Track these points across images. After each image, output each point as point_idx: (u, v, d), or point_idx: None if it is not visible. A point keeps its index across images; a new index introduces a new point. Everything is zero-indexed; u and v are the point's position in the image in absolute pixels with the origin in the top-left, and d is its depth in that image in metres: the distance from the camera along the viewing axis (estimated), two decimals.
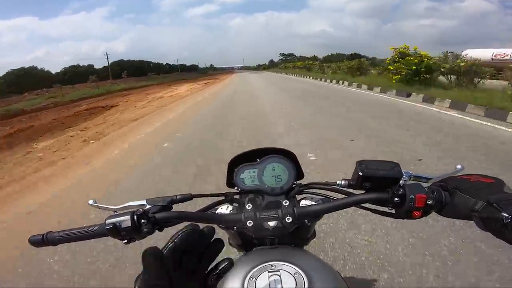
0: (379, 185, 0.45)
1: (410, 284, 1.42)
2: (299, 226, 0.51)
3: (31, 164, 4.42)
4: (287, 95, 10.60)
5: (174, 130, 5.86)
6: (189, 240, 0.29)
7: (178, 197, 0.51)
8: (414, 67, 8.99)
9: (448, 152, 3.39)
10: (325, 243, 1.77)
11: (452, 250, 1.63)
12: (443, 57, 9.80)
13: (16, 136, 7.93)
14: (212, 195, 0.59)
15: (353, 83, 12.17)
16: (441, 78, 9.14)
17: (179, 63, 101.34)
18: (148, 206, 0.48)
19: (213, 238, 0.33)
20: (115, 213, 0.45)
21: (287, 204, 0.49)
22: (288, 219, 0.46)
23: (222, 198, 0.59)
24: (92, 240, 0.46)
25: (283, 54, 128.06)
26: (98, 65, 68.68)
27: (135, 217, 0.43)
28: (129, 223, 0.42)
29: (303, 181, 0.59)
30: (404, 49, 9.91)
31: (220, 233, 0.47)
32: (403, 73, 9.27)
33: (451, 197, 0.41)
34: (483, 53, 11.49)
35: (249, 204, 0.51)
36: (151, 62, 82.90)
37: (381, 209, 0.49)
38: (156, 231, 0.45)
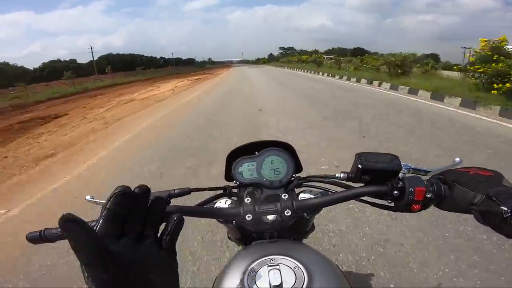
0: (378, 178, 0.44)
1: None
2: (298, 220, 0.50)
3: None
4: (311, 108, 6.42)
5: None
6: (122, 205, 0.26)
7: (176, 191, 0.51)
8: None
9: None
10: None
11: None
12: None
13: None
14: (210, 189, 0.58)
15: (402, 87, 8.12)
16: None
17: (175, 57, 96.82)
18: None
19: (152, 198, 0.29)
20: None
21: (286, 197, 0.49)
22: (287, 213, 0.46)
23: (221, 192, 0.58)
24: None
25: (283, 48, 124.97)
26: (87, 60, 64.14)
27: None
28: None
29: (302, 174, 0.59)
30: (499, 43, 6.04)
31: (219, 227, 0.44)
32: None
33: (450, 190, 0.40)
34: None
35: (248, 198, 0.50)
36: (143, 55, 78.38)
37: (380, 202, 0.48)
38: None
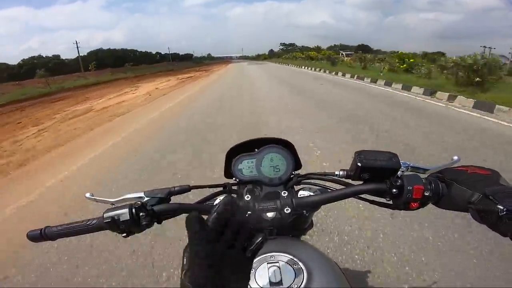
0: (377, 176, 0.44)
1: None
2: (297, 217, 0.50)
3: None
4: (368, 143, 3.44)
5: None
6: (228, 212, 0.30)
7: (176, 188, 0.51)
8: None
9: None
10: None
11: None
12: None
13: None
14: (210, 186, 0.58)
15: (502, 109, 4.82)
16: None
17: (174, 52, 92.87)
18: (146, 199, 0.47)
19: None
20: (113, 206, 0.45)
21: (285, 195, 0.49)
22: (287, 210, 0.46)
23: (221, 189, 0.58)
24: None
25: (283, 44, 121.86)
26: (81, 55, 59.75)
27: (134, 210, 0.42)
28: (127, 216, 0.42)
29: (301, 171, 0.59)
30: None
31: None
32: None
33: (448, 188, 0.41)
34: None
35: (248, 195, 0.50)
36: (136, 50, 74.07)
37: (378, 200, 0.48)
38: (155, 223, 0.45)
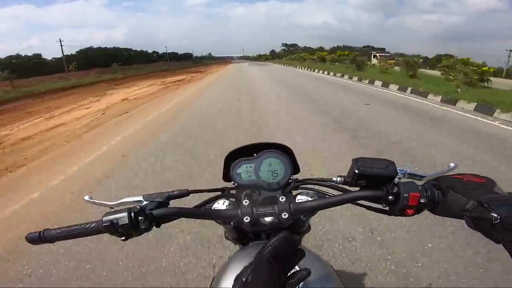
0: (374, 183, 0.45)
1: None
2: (295, 221, 0.50)
3: None
4: None
5: None
6: (282, 247, 0.31)
7: (175, 193, 0.52)
8: None
9: None
10: None
11: None
12: None
13: None
14: (209, 191, 0.58)
15: None
16: None
17: (172, 51, 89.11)
18: (145, 203, 0.48)
19: (297, 247, 0.34)
20: (112, 209, 0.45)
21: (283, 200, 0.49)
22: (285, 215, 0.47)
23: (219, 193, 0.58)
24: None
25: (285, 45, 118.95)
26: (74, 53, 55.60)
27: (132, 214, 0.42)
28: (126, 220, 0.42)
29: (299, 176, 0.60)
30: None
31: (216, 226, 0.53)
32: None
33: (444, 196, 0.41)
34: None
35: (246, 200, 0.50)
36: (131, 49, 70.21)
37: (375, 206, 0.48)
38: (154, 227, 0.45)
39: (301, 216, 0.49)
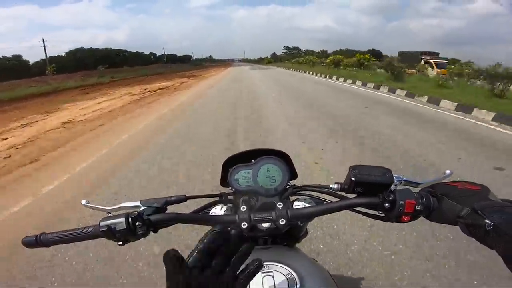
0: (371, 190, 0.45)
1: None
2: (292, 227, 0.52)
3: None
4: None
5: None
6: (215, 242, 0.31)
7: (172, 198, 0.52)
8: None
9: None
10: None
11: None
12: None
13: None
14: (207, 196, 0.59)
15: None
16: None
17: (171, 53, 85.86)
18: (142, 208, 0.48)
19: (246, 246, 0.34)
20: (109, 214, 0.45)
21: (281, 206, 0.49)
22: (282, 221, 0.46)
23: (217, 199, 0.59)
24: None
25: (287, 48, 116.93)
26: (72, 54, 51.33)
27: (130, 220, 0.43)
28: (123, 226, 0.42)
29: (296, 182, 0.61)
30: None
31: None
32: None
33: (439, 203, 0.42)
34: None
35: (244, 206, 0.50)
36: (125, 50, 66.42)
37: (371, 213, 0.48)
38: (151, 232, 0.45)
39: (298, 222, 0.50)
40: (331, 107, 6.59)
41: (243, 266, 0.33)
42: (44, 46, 31.77)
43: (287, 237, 0.58)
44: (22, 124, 7.15)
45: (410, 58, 16.25)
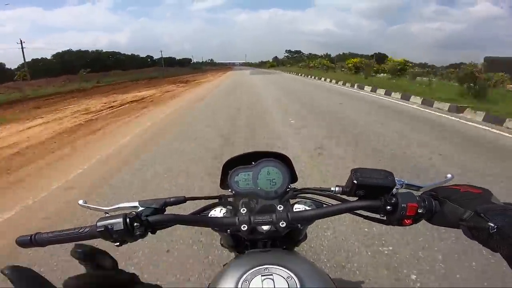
0: (372, 193, 0.45)
1: None
2: (292, 230, 0.51)
3: None
4: None
5: None
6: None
7: (171, 199, 0.51)
8: None
9: None
10: None
11: None
12: None
13: None
14: (206, 198, 0.58)
15: None
16: None
17: (170, 56, 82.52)
18: (140, 209, 0.47)
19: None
20: (107, 214, 0.44)
21: (281, 208, 0.48)
22: (282, 224, 0.46)
23: (216, 200, 0.58)
24: None
25: (289, 51, 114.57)
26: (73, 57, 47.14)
27: (128, 220, 0.42)
28: (121, 226, 0.41)
29: (296, 185, 0.60)
30: None
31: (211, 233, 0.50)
32: None
33: (441, 206, 0.41)
34: None
35: (244, 208, 0.49)
36: (119, 53, 62.59)
37: (373, 216, 0.48)
38: (149, 233, 0.45)
39: (299, 225, 0.49)
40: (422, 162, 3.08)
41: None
42: (22, 47, 28.32)
43: (286, 241, 0.57)
44: None
45: (503, 66, 12.02)
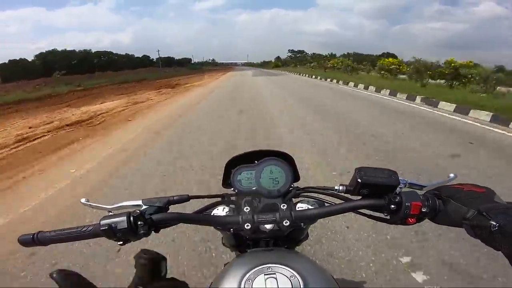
0: (376, 192, 0.45)
1: None
2: (295, 229, 0.51)
3: None
4: None
5: None
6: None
7: (175, 198, 0.51)
8: None
9: None
10: None
11: None
12: None
13: None
14: (209, 197, 0.58)
15: None
16: None
17: (169, 56, 78.66)
18: (144, 207, 0.47)
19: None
20: (110, 213, 0.44)
21: (284, 207, 0.48)
22: (286, 223, 0.46)
23: (219, 199, 0.57)
24: None
25: (292, 51, 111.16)
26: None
27: (132, 218, 0.41)
28: (125, 225, 0.41)
29: (299, 184, 0.59)
30: None
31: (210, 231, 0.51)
32: None
33: (444, 205, 0.41)
34: None
35: (247, 207, 0.49)
36: (111, 52, 57.37)
37: (376, 215, 0.48)
38: (152, 232, 0.44)
39: (302, 224, 0.49)
40: None
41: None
42: None
43: (288, 240, 0.56)
44: None
45: None
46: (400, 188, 0.44)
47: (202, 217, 0.51)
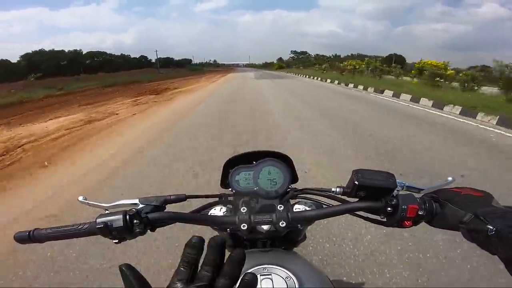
0: (373, 194, 0.45)
1: None
2: (291, 230, 0.51)
3: None
4: None
5: None
6: (194, 253, 0.29)
7: (172, 197, 0.50)
8: None
9: None
10: None
11: None
12: None
13: None
14: (207, 196, 0.57)
15: None
16: None
17: (168, 56, 76.12)
18: (140, 206, 0.46)
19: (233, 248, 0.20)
20: (106, 211, 0.44)
21: (281, 208, 0.48)
22: (282, 224, 0.46)
23: (216, 199, 0.57)
24: None
25: (294, 52, 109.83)
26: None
27: (128, 217, 0.41)
28: (121, 223, 0.41)
29: (297, 185, 0.59)
30: None
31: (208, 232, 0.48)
32: None
33: (442, 208, 0.41)
34: None
35: (244, 207, 0.49)
36: (105, 53, 55.26)
37: (373, 217, 0.48)
38: (148, 231, 0.44)
39: (299, 225, 0.48)
40: None
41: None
42: None
43: (285, 241, 0.56)
44: None
45: None
46: (397, 190, 0.44)
47: (198, 217, 0.51)
